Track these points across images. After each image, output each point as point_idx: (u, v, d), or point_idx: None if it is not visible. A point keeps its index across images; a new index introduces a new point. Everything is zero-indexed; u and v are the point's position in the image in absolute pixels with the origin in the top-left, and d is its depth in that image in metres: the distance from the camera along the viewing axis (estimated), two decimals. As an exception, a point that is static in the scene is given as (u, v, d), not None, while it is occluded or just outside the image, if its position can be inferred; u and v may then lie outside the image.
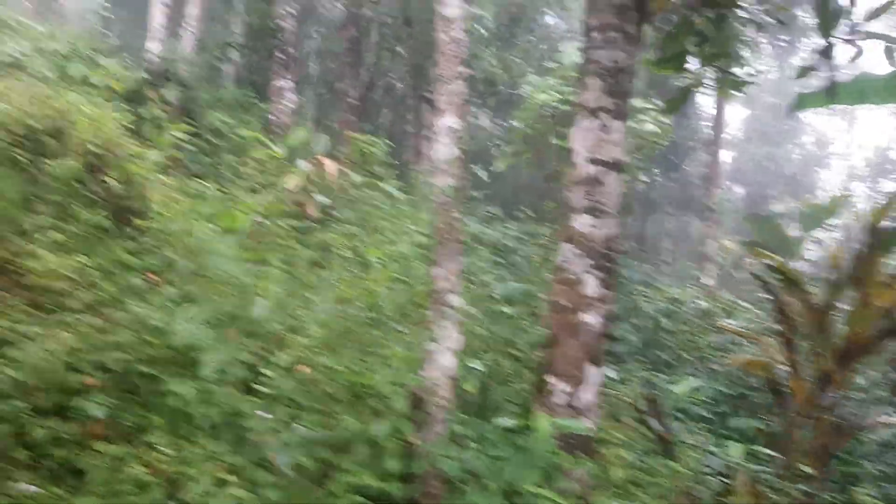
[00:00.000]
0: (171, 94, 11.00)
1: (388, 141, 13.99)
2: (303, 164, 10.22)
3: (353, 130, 15.43)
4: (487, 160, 16.68)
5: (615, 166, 5.27)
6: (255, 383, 4.14)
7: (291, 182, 9.61)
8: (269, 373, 4.13)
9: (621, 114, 5.34)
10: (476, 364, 5.25)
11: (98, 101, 6.29)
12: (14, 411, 3.55)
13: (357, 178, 10.94)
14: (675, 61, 6.42)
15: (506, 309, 7.46)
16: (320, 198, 9.95)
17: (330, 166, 10.41)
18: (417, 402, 4.21)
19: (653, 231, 31.59)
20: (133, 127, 7.06)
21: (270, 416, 3.78)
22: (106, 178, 5.14)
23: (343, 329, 5.06)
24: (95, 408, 3.61)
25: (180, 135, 8.59)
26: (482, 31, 17.39)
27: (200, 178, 9.17)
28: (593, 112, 5.28)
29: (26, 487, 3.46)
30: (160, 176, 6.60)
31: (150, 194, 5.72)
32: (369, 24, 16.97)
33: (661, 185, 25.81)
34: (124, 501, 3.45)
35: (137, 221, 5.24)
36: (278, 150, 10.57)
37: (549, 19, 23.19)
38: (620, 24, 5.33)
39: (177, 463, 3.57)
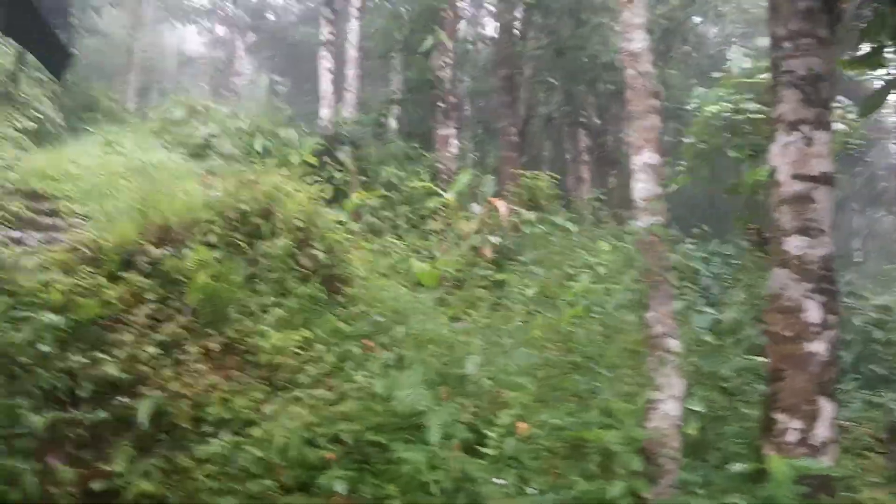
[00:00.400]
0: (345, 155, 11.55)
1: (550, 172, 13.86)
2: (475, 208, 10.36)
3: (515, 166, 15.47)
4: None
5: (824, 180, 4.86)
6: (477, 444, 4.13)
7: (467, 227, 9.75)
8: (491, 433, 4.10)
9: (824, 123, 4.95)
10: (694, 405, 4.96)
11: (287, 172, 6.61)
12: (263, 490, 3.73)
13: (528, 216, 10.90)
14: (871, 58, 5.92)
15: (708, 339, 7.06)
16: (495, 239, 10.00)
17: (501, 206, 10.46)
18: (646, 456, 4.03)
19: (840, 231, 29.29)
20: (320, 192, 7.41)
21: (504, 481, 3.74)
22: (313, 251, 5.40)
23: (549, 377, 4.96)
24: (337, 483, 3.71)
25: (363, 195, 8.94)
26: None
27: (381, 233, 9.49)
28: (793, 125, 4.93)
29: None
30: (351, 238, 6.86)
31: (349, 259, 5.95)
32: (521, 60, 17.02)
33: (844, 182, 23.88)
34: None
35: (345, 288, 5.45)
36: (450, 197, 10.76)
37: (703, 28, 22.34)
38: (811, 29, 4.98)
39: (418, 533, 3.60)
